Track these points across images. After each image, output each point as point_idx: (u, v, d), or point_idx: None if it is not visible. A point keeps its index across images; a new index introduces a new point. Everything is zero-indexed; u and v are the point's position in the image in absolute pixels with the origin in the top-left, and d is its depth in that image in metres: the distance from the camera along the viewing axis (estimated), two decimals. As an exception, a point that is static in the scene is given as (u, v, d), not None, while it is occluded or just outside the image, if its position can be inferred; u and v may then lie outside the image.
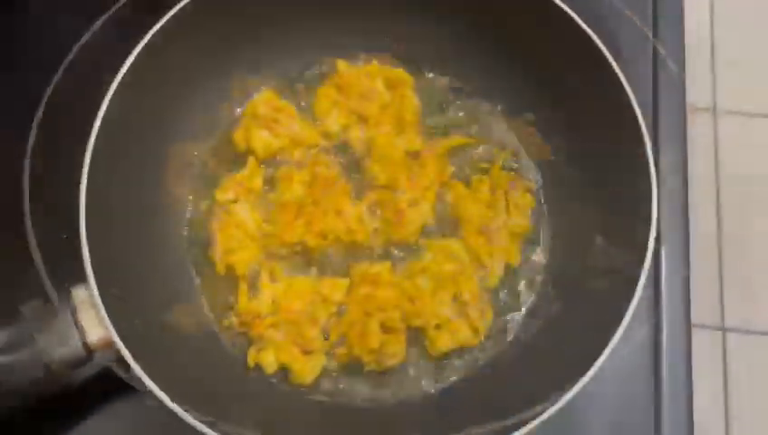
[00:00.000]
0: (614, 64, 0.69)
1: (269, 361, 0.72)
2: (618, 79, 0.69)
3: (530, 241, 0.78)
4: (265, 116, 0.79)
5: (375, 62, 0.83)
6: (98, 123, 0.66)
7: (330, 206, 0.75)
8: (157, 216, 0.75)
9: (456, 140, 0.81)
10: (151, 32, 0.70)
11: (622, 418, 0.74)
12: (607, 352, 0.62)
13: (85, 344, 0.62)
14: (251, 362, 0.72)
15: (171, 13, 0.70)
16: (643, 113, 0.76)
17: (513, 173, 0.79)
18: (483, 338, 0.73)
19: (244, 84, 0.82)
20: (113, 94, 0.67)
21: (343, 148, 0.82)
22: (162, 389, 0.60)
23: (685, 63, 0.89)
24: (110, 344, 0.63)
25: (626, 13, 0.91)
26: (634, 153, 0.68)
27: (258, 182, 0.78)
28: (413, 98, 0.82)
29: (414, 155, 0.79)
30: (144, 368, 0.61)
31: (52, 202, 0.78)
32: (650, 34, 0.91)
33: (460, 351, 0.73)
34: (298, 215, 0.75)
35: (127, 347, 0.61)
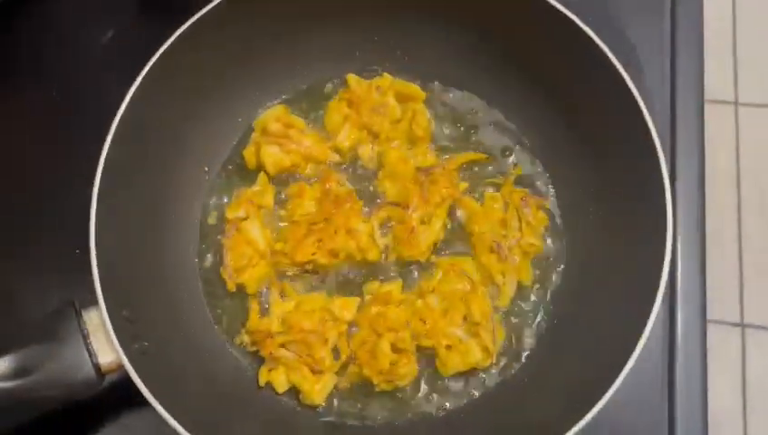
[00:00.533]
0: (627, 77, 0.68)
1: (280, 380, 0.72)
2: (631, 94, 0.68)
3: (543, 258, 0.77)
4: (276, 132, 0.78)
5: (386, 75, 0.82)
6: (109, 138, 0.67)
7: (341, 224, 0.75)
8: (167, 234, 0.75)
9: (467, 155, 0.80)
10: (161, 49, 0.70)
11: (636, 416, 0.73)
12: (622, 376, 0.61)
13: (97, 368, 0.63)
14: (262, 380, 0.72)
15: (179, 31, 0.70)
16: (660, 110, 0.76)
17: (525, 190, 0.78)
18: (494, 359, 0.72)
19: (254, 99, 0.82)
20: (124, 110, 0.68)
21: (354, 163, 0.81)
22: (171, 413, 0.60)
23: (704, 60, 0.87)
24: (120, 367, 0.63)
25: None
26: (648, 166, 0.67)
27: (269, 199, 0.78)
28: (425, 113, 0.81)
29: (425, 171, 0.78)
30: (153, 391, 0.61)
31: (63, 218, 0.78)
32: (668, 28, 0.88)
33: (472, 371, 0.73)
34: (309, 233, 0.75)
35: (136, 370, 0.62)
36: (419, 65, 0.83)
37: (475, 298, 0.73)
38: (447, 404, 0.72)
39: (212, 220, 0.79)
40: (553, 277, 0.77)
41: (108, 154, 0.66)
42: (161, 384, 0.62)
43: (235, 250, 0.75)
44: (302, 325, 0.72)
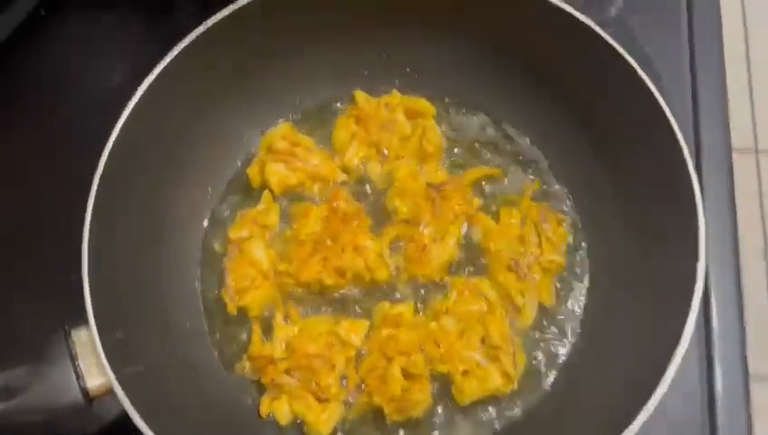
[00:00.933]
0: (647, 78, 0.65)
1: (283, 411, 0.67)
2: (653, 97, 0.64)
3: (566, 279, 0.72)
4: (282, 150, 0.75)
5: (395, 92, 0.79)
6: (105, 155, 0.64)
7: (348, 241, 0.71)
8: (166, 255, 0.72)
9: (481, 170, 0.76)
10: (163, 62, 0.67)
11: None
12: (651, 405, 0.55)
13: (84, 391, 0.58)
14: (264, 411, 0.67)
15: (178, 48, 0.68)
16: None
17: (544, 204, 0.74)
18: (515, 386, 0.66)
19: (260, 119, 0.79)
20: (124, 123, 0.65)
21: (362, 182, 0.78)
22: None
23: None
24: (110, 392, 0.58)
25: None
26: (675, 173, 0.63)
27: (274, 218, 0.74)
28: (435, 128, 0.77)
29: (437, 187, 0.74)
30: (145, 417, 0.56)
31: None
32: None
33: (492, 400, 0.67)
34: (314, 251, 0.71)
35: (128, 395, 0.57)
36: (429, 82, 0.81)
37: (493, 320, 0.68)
38: (465, 436, 0.66)
39: (215, 241, 0.75)
40: (578, 297, 0.71)
41: (103, 172, 0.63)
42: (155, 411, 0.57)
43: (237, 271, 0.71)
44: (306, 350, 0.67)
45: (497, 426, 0.67)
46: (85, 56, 0.90)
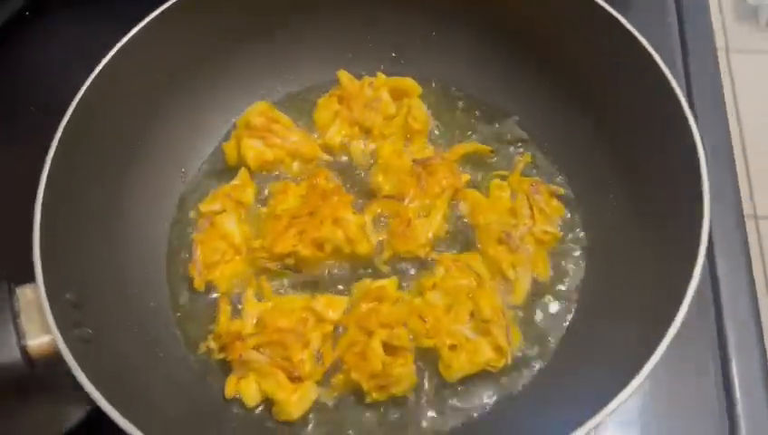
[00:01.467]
0: (649, 47, 0.61)
1: (250, 391, 0.60)
2: (660, 69, 0.61)
3: (562, 252, 0.67)
4: (259, 126, 0.72)
5: (380, 74, 0.77)
6: (69, 113, 0.60)
7: (327, 214, 0.66)
8: (132, 227, 0.67)
9: (469, 146, 0.72)
10: (135, 29, 0.66)
11: None
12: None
13: (23, 350, 0.52)
14: (229, 392, 0.60)
15: (155, 13, 0.66)
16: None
17: (536, 178, 0.70)
18: (509, 360, 0.60)
19: (240, 100, 0.77)
20: (88, 87, 0.62)
21: (345, 161, 0.74)
22: (111, 403, 0.49)
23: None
24: (54, 353, 0.52)
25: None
26: (679, 146, 0.58)
27: (249, 195, 0.70)
28: (421, 106, 0.74)
29: (422, 162, 0.70)
30: (96, 384, 0.50)
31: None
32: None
33: (484, 377, 0.60)
34: (290, 225, 0.66)
35: (74, 356, 0.51)
36: (415, 66, 0.78)
37: (483, 294, 0.62)
38: (456, 418, 0.59)
39: (186, 220, 0.71)
40: (575, 272, 0.66)
41: (63, 135, 0.59)
42: (104, 376, 0.51)
43: (207, 244, 0.66)
44: (277, 324, 0.61)
45: (489, 404, 0.60)
46: (68, 53, 0.89)
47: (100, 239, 0.63)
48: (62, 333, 0.52)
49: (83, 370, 0.50)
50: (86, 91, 0.62)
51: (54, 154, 0.59)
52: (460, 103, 0.77)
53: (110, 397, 0.49)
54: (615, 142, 0.68)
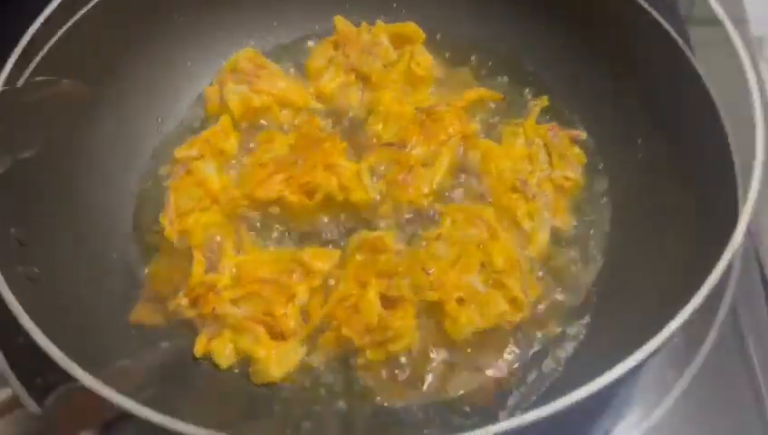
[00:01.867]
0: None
1: (223, 350, 0.51)
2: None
3: (584, 202, 0.59)
4: (245, 70, 0.65)
5: (380, 22, 0.70)
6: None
7: (319, 160, 0.58)
8: (98, 173, 0.59)
9: (478, 92, 0.65)
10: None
11: None
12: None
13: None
14: (199, 350, 0.52)
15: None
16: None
17: (553, 123, 0.62)
18: (525, 313, 0.51)
19: (226, 48, 0.69)
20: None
21: (339, 111, 0.66)
22: (55, 343, 0.40)
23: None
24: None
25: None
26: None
27: (231, 144, 0.62)
28: (425, 53, 0.67)
29: (426, 110, 0.63)
30: (36, 320, 0.41)
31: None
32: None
33: (498, 339, 0.51)
34: (276, 172, 0.58)
35: (15, 294, 0.43)
36: (418, 17, 0.71)
37: (495, 244, 0.54)
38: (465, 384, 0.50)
39: (160, 173, 0.63)
40: (599, 223, 0.58)
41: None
42: (48, 314, 0.43)
43: (181, 191, 0.58)
44: (257, 274, 0.53)
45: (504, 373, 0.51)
46: None
47: (59, 183, 0.55)
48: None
49: (21, 304, 0.42)
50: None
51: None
52: (471, 57, 0.70)
53: (51, 334, 0.41)
54: (642, 86, 0.60)
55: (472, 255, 0.54)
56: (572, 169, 0.59)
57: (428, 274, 0.53)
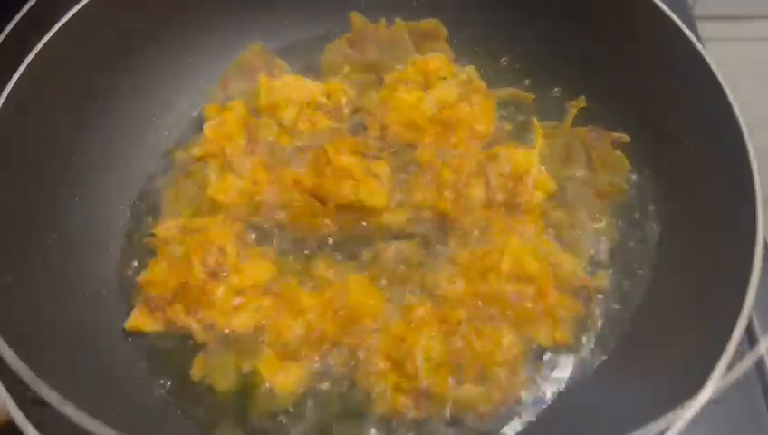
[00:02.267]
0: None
1: (223, 371, 0.45)
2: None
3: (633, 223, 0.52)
4: (252, 65, 0.60)
5: (398, 21, 0.64)
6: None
7: (332, 160, 0.53)
8: (92, 171, 0.54)
9: (507, 91, 0.60)
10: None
11: None
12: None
13: None
14: (197, 373, 0.45)
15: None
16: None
17: (592, 126, 0.56)
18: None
19: (237, 45, 0.64)
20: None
21: (354, 111, 0.60)
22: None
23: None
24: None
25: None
26: None
27: (234, 144, 0.56)
28: (447, 51, 0.62)
29: (449, 110, 0.57)
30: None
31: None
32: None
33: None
34: (285, 173, 0.52)
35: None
36: (438, 13, 0.66)
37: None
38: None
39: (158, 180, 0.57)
40: (649, 235, 0.51)
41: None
42: (15, 322, 0.37)
43: (180, 194, 0.53)
44: (260, 284, 0.47)
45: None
46: None
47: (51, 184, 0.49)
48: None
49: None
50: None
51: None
52: (503, 59, 0.64)
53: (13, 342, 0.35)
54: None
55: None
56: (614, 174, 0.53)
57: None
